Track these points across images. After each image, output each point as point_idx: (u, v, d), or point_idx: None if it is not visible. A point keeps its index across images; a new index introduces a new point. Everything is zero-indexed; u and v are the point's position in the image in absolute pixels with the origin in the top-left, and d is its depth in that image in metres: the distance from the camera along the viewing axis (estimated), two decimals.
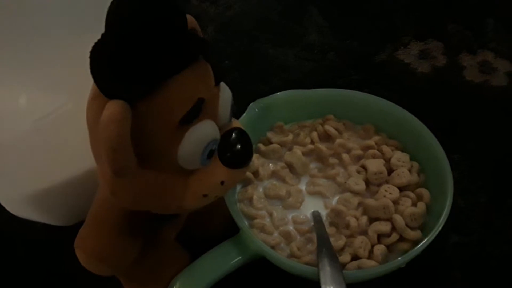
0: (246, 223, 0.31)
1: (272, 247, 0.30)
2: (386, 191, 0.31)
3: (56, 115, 0.27)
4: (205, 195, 0.25)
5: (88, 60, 0.21)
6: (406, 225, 0.30)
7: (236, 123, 0.27)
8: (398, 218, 0.29)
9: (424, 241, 0.28)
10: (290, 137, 0.36)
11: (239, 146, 0.25)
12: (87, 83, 0.23)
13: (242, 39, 0.50)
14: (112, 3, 0.20)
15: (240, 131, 0.26)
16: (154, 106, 0.22)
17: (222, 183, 0.25)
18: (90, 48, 0.21)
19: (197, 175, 0.25)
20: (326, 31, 0.50)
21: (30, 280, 0.34)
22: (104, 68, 0.21)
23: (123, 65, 0.21)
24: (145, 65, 0.21)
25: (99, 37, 0.21)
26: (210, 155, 0.24)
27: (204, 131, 0.23)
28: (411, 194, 0.31)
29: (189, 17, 0.23)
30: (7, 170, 0.29)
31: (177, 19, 0.21)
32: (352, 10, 0.52)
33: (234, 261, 0.29)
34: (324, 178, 0.34)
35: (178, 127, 0.22)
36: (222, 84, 0.25)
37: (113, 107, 0.20)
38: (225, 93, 0.25)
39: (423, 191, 0.31)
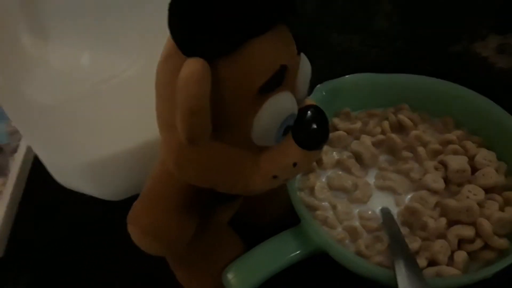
0: (308, 213, 0.28)
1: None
2: (469, 191, 0.28)
3: (119, 80, 0.25)
4: (275, 177, 0.22)
5: (160, 19, 0.19)
6: (493, 231, 0.26)
7: (312, 101, 0.24)
8: (485, 223, 0.26)
9: None
10: (358, 124, 0.33)
11: (315, 126, 0.23)
12: (156, 46, 0.21)
13: (304, 24, 0.47)
14: None
15: (317, 109, 0.23)
16: (233, 69, 0.19)
17: (294, 164, 0.22)
18: (162, 3, 0.19)
19: (268, 153, 0.22)
20: (394, 17, 0.46)
21: (75, 259, 0.32)
22: (184, 21, 0.18)
23: (204, 19, 0.18)
24: (228, 20, 0.18)
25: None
26: (285, 131, 0.22)
27: (283, 103, 0.21)
28: (498, 198, 0.28)
29: None
30: (60, 135, 0.28)
31: None
32: None
33: (292, 254, 0.26)
34: (395, 172, 0.30)
35: (257, 95, 0.20)
36: (302, 55, 0.23)
37: (194, 65, 0.18)
38: (305, 65, 0.23)
39: None
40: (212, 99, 0.19)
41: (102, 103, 0.26)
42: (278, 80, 0.20)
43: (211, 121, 0.20)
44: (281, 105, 0.21)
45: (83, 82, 0.25)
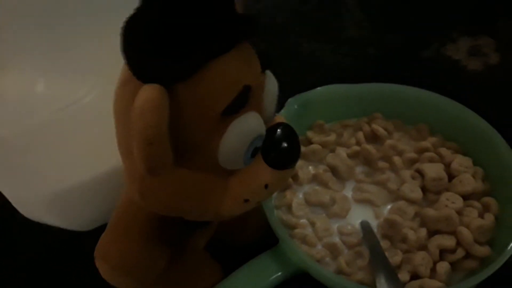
0: (286, 232, 0.27)
1: (317, 261, 0.26)
2: (447, 200, 0.27)
3: (77, 106, 0.24)
4: (246, 200, 0.22)
5: (115, 43, 0.18)
6: (474, 239, 0.26)
7: (280, 118, 0.23)
8: (465, 232, 0.25)
9: (498, 259, 0.24)
10: (333, 137, 0.32)
11: (285, 144, 0.22)
12: (114, 70, 0.20)
13: (274, 34, 0.47)
14: None
15: (286, 127, 0.22)
16: (194, 93, 0.18)
17: (266, 186, 0.22)
18: (117, 26, 0.18)
19: (237, 176, 0.21)
20: (365, 24, 0.46)
21: None
22: (139, 46, 0.17)
23: (161, 43, 0.17)
24: (186, 43, 0.18)
25: (128, 14, 0.18)
26: (254, 153, 0.21)
27: (249, 125, 0.20)
28: (477, 204, 0.27)
29: None
30: (20, 166, 0.26)
31: None
32: (391, 2, 0.48)
33: (273, 277, 0.25)
34: (372, 183, 0.30)
35: (221, 118, 0.19)
36: (268, 72, 0.22)
37: (149, 92, 0.17)
38: (271, 83, 0.22)
39: (491, 201, 0.27)
40: (173, 125, 0.18)
41: (62, 131, 0.25)
42: (242, 101, 0.19)
43: (174, 147, 0.19)
44: (247, 127, 0.20)
45: (40, 110, 0.24)
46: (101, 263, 0.23)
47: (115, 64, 0.20)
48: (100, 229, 0.25)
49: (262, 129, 0.21)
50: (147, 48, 0.17)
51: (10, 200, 0.30)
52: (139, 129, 0.17)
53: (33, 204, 0.28)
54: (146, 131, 0.17)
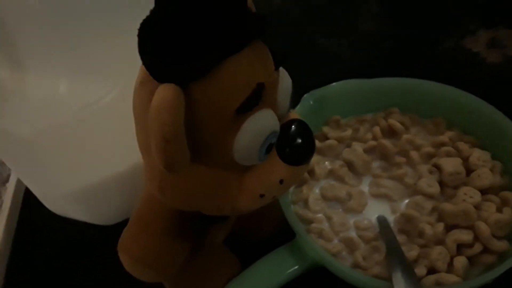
0: (303, 227, 0.28)
1: (333, 256, 0.26)
2: (465, 194, 0.27)
3: (100, 105, 0.25)
4: (262, 195, 0.22)
5: (134, 44, 0.19)
6: (492, 234, 0.25)
7: (295, 115, 0.23)
8: (482, 226, 0.25)
9: None
10: (349, 132, 0.32)
11: (300, 140, 0.22)
12: (133, 70, 0.21)
13: (289, 29, 0.47)
14: None
15: (301, 123, 0.23)
16: (209, 92, 0.19)
17: (281, 181, 0.22)
18: (136, 28, 0.19)
19: (253, 172, 0.22)
20: (381, 18, 0.46)
21: (73, 286, 0.32)
22: (154, 47, 0.18)
23: (175, 44, 0.18)
24: (199, 43, 0.18)
25: (146, 14, 0.19)
26: (268, 149, 0.21)
27: (263, 122, 0.20)
28: (495, 198, 0.27)
29: None
30: (46, 164, 0.27)
31: None
32: None
33: (290, 270, 0.26)
34: (389, 178, 0.30)
35: (235, 116, 0.19)
36: (282, 69, 0.22)
37: (165, 92, 0.17)
38: (285, 80, 0.22)
39: (509, 195, 0.27)
40: (189, 123, 0.19)
41: (86, 130, 0.26)
42: (256, 99, 0.20)
43: (191, 144, 0.19)
44: (261, 124, 0.20)
45: (63, 110, 0.25)
46: (124, 256, 0.24)
47: (134, 64, 0.21)
48: (124, 223, 0.26)
49: (276, 125, 0.21)
50: (163, 49, 0.18)
51: (37, 196, 0.31)
52: (156, 127, 0.18)
53: (60, 199, 0.29)
54: (163, 129, 0.18)
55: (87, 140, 0.27)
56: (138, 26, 0.19)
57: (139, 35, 0.18)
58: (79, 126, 0.26)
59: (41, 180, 0.29)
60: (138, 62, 0.20)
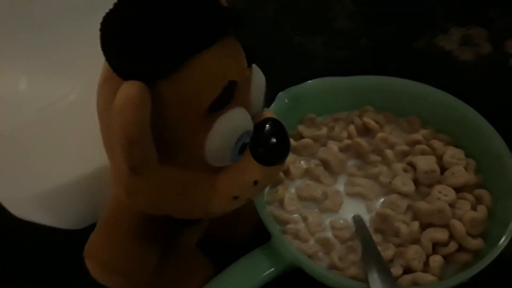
0: (278, 228, 0.27)
1: (309, 257, 0.26)
2: (440, 192, 0.27)
3: (62, 104, 0.24)
4: (235, 197, 0.21)
5: (97, 37, 0.18)
6: (467, 232, 0.25)
7: (269, 113, 0.23)
8: (457, 225, 0.25)
9: (492, 252, 0.24)
10: (324, 131, 0.32)
11: (274, 140, 0.22)
12: (97, 66, 0.20)
13: (264, 26, 0.46)
14: None
15: (275, 122, 0.22)
16: (177, 89, 0.18)
17: (255, 182, 0.21)
18: (99, 21, 0.18)
19: (226, 173, 0.21)
20: (357, 16, 0.46)
21: None
22: (118, 42, 0.17)
23: (140, 38, 0.17)
24: (166, 38, 0.17)
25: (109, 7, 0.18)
26: (242, 149, 0.20)
27: (236, 121, 0.20)
28: (469, 196, 0.27)
29: None
30: (8, 165, 0.26)
31: None
32: None
33: (266, 273, 0.25)
34: (364, 177, 0.29)
35: (206, 115, 0.19)
36: (255, 67, 0.22)
37: (129, 90, 0.17)
38: (258, 77, 0.22)
39: (483, 193, 0.27)
40: (157, 122, 0.18)
41: (49, 129, 0.25)
42: (227, 97, 0.19)
43: (159, 145, 0.18)
44: (233, 123, 0.19)
45: (24, 109, 0.23)
46: (91, 262, 0.23)
47: (98, 60, 0.20)
48: (91, 228, 0.25)
49: (249, 125, 0.20)
50: (126, 44, 0.17)
51: None
52: (119, 127, 0.17)
53: (22, 203, 0.28)
54: (126, 129, 0.17)
55: (51, 140, 0.25)
56: (100, 19, 0.18)
57: (101, 29, 0.17)
58: (42, 125, 0.24)
59: (2, 182, 0.27)
60: (102, 58, 0.19)
